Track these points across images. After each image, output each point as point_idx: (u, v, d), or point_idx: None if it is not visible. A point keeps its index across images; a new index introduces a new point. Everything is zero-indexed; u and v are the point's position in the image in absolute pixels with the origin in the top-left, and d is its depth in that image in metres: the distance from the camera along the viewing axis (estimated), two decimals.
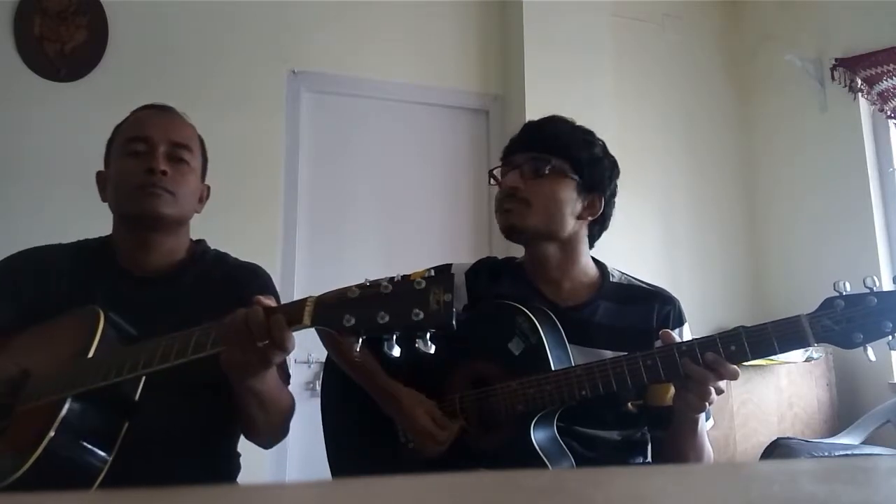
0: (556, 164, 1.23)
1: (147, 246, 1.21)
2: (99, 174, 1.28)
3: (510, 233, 1.26)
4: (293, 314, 0.90)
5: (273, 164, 2.73)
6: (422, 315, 0.82)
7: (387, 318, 0.83)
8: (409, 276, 0.88)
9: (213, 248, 1.33)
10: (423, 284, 0.84)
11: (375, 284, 0.87)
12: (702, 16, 3.51)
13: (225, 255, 1.33)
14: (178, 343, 0.95)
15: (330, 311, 0.87)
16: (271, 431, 1.20)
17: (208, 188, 1.31)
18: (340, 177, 2.91)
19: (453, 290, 0.84)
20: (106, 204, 1.24)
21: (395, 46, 3.01)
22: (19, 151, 2.47)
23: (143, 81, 2.57)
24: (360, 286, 0.88)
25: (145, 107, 1.29)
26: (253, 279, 1.29)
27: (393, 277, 0.87)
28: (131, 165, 1.18)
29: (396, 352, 0.85)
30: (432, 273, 0.86)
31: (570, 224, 1.25)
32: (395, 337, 0.85)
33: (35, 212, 2.40)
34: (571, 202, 1.24)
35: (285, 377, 1.25)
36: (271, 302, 0.95)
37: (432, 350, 0.85)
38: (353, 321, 0.85)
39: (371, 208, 2.93)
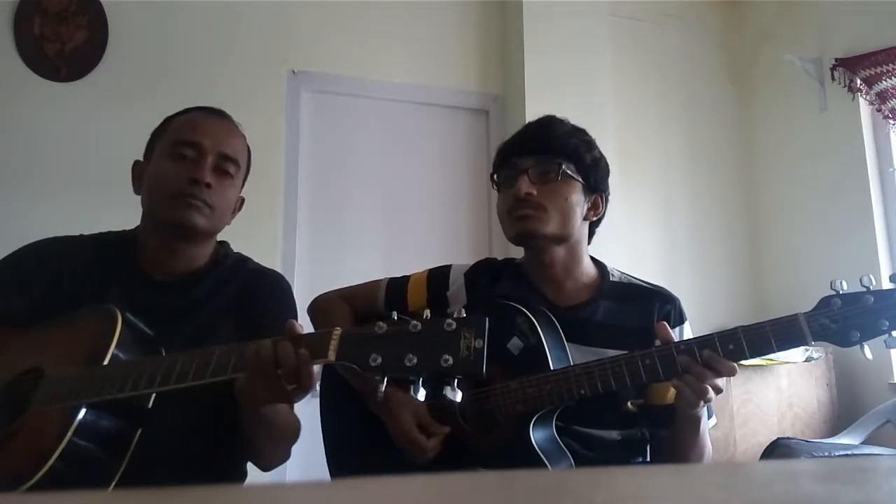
0: (564, 167, 1.23)
1: (172, 252, 1.18)
2: (136, 164, 1.23)
3: (528, 239, 1.23)
4: (317, 347, 0.87)
5: (273, 164, 2.73)
6: (451, 361, 0.79)
7: (415, 361, 0.80)
8: (419, 313, 0.84)
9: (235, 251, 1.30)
10: (454, 326, 0.81)
11: (404, 321, 0.83)
12: (702, 16, 3.51)
13: (246, 259, 1.30)
14: (197, 362, 0.93)
15: (356, 348, 0.84)
16: (274, 456, 1.18)
17: (242, 200, 1.27)
18: (340, 177, 2.91)
19: (485, 334, 0.80)
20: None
21: (395, 46, 3.01)
22: (19, 151, 2.46)
23: (143, 81, 2.58)
24: (388, 321, 0.84)
25: (199, 109, 1.23)
26: (271, 289, 1.26)
27: (424, 315, 0.84)
28: (176, 170, 1.14)
29: (422, 395, 0.82)
30: (463, 314, 0.83)
31: (579, 225, 1.26)
32: (421, 380, 0.82)
33: (35, 211, 2.40)
34: (580, 205, 1.25)
35: None
36: (302, 329, 0.92)
37: (459, 398, 0.82)
38: (379, 360, 0.81)
39: (371, 208, 2.93)
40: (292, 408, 1.19)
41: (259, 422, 1.04)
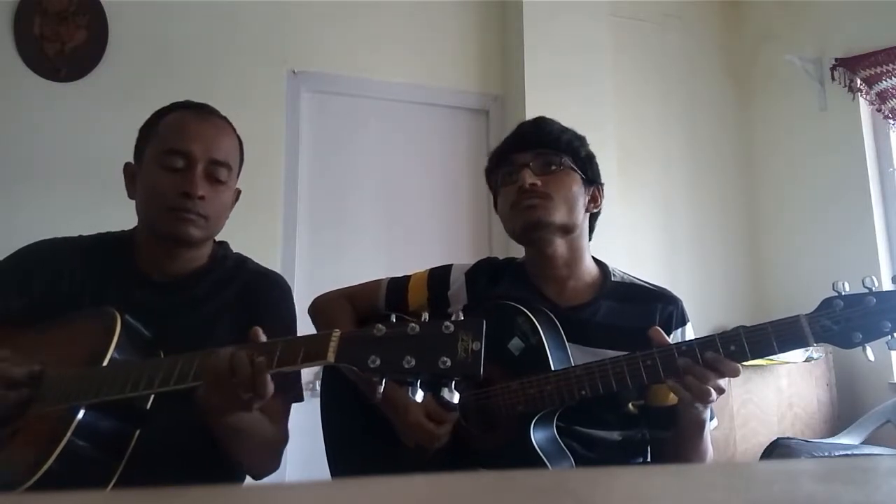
0: (563, 159, 1.26)
1: (170, 254, 1.18)
2: (127, 166, 1.22)
3: (536, 228, 1.23)
4: (316, 348, 0.88)
5: (273, 164, 2.73)
6: (449, 363, 0.80)
7: (413, 363, 0.81)
8: (412, 315, 0.83)
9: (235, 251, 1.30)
10: (452, 329, 0.82)
11: (402, 323, 0.84)
12: (702, 16, 3.51)
13: (246, 260, 1.30)
14: (198, 364, 0.93)
15: (355, 350, 0.85)
16: (258, 467, 1.16)
17: (238, 192, 1.25)
18: (340, 177, 2.91)
19: (483, 337, 0.81)
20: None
21: (395, 46, 3.01)
22: (19, 151, 2.46)
23: (142, 81, 2.58)
24: (386, 324, 0.85)
25: (185, 107, 1.21)
26: (271, 290, 1.26)
27: (421, 316, 0.85)
28: (167, 182, 1.13)
29: (419, 396, 0.83)
30: (461, 316, 0.84)
31: (582, 217, 1.27)
32: (419, 382, 0.83)
33: (35, 211, 2.40)
34: (581, 195, 1.27)
35: (293, 397, 1.22)
36: (263, 337, 0.93)
37: (456, 399, 0.83)
38: (378, 362, 0.82)
39: (371, 208, 2.93)
40: (281, 419, 1.18)
41: (226, 432, 1.04)
